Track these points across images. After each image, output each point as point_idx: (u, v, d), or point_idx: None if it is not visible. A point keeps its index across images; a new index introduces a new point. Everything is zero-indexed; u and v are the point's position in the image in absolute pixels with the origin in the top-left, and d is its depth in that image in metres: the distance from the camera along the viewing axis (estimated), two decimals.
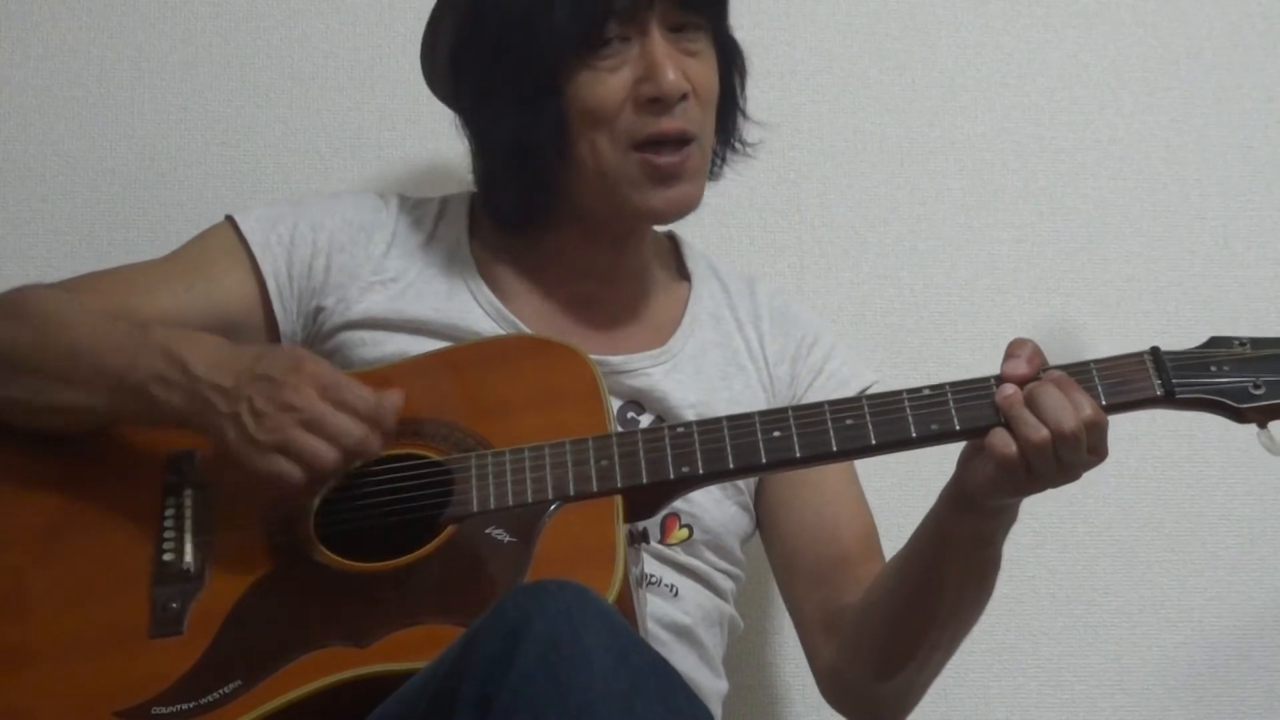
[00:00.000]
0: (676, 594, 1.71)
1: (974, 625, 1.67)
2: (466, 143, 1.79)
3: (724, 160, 1.80)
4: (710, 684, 1.75)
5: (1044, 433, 1.46)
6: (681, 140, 1.67)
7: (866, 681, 1.70)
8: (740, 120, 1.80)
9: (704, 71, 1.70)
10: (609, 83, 1.66)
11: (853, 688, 1.73)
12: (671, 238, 1.89)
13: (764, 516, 1.80)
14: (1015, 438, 1.47)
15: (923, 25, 2.24)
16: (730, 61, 1.77)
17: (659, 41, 1.66)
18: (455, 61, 1.75)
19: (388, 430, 1.50)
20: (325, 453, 1.47)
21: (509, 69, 1.68)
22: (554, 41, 1.64)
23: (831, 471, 1.76)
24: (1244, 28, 2.24)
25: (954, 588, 1.60)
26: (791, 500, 1.77)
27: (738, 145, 1.80)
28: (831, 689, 1.76)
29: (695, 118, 1.68)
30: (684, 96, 1.66)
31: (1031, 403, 1.47)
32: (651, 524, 1.59)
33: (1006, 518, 1.56)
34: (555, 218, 1.75)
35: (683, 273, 1.86)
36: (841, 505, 1.77)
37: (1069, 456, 1.47)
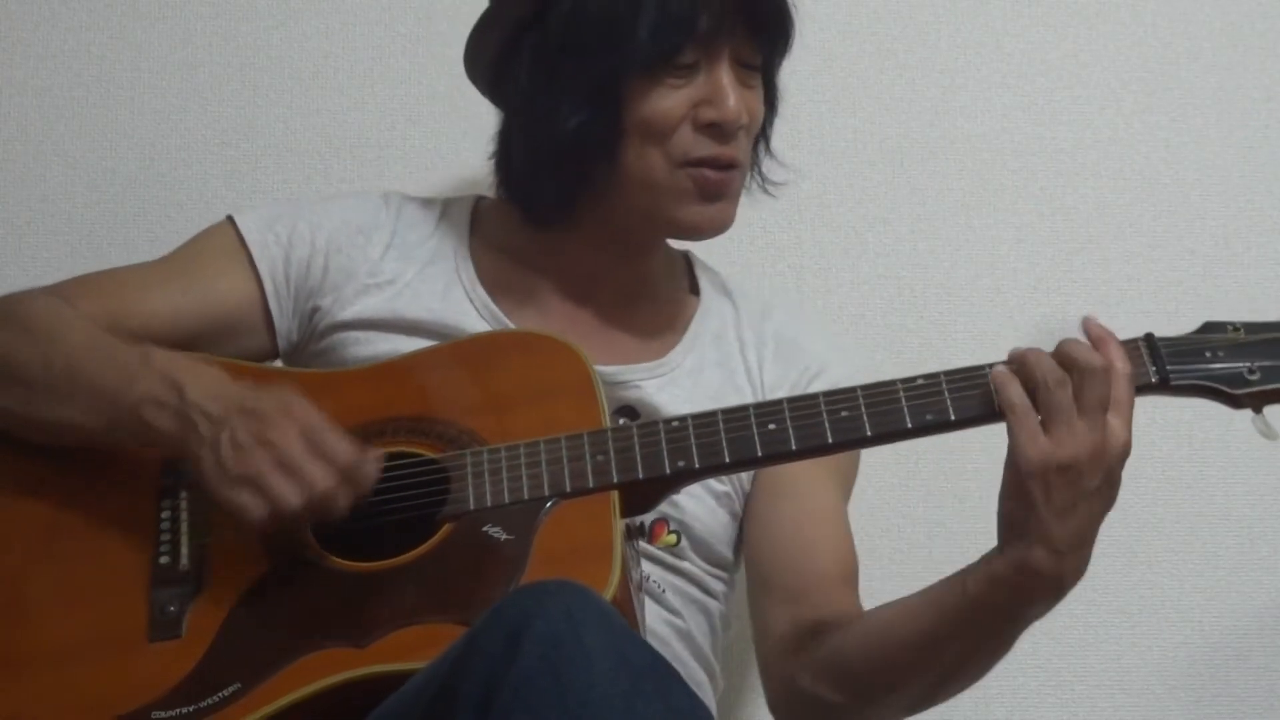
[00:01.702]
0: (665, 591, 1.70)
1: (960, 690, 1.63)
2: (498, 130, 1.79)
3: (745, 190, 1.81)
4: (705, 683, 1.75)
5: (1047, 363, 1.45)
6: (731, 166, 1.69)
7: (836, 712, 1.64)
8: (762, 155, 1.80)
9: (757, 106, 1.72)
10: (671, 99, 1.66)
11: (817, 713, 1.67)
12: (686, 256, 1.88)
13: (744, 529, 1.77)
14: (1022, 380, 1.45)
15: (923, 25, 2.24)
16: (771, 99, 1.78)
17: (728, 70, 1.67)
18: (514, 46, 1.72)
19: (362, 491, 1.48)
20: (290, 496, 1.45)
21: (576, 67, 1.67)
22: (630, 53, 1.64)
23: (818, 493, 1.73)
24: (1244, 28, 2.24)
25: (954, 656, 1.56)
26: (770, 516, 1.74)
27: (760, 181, 1.81)
28: (791, 708, 1.70)
29: (744, 149, 1.70)
30: (741, 127, 1.68)
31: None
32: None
33: (1046, 585, 1.49)
34: (575, 220, 1.74)
35: (694, 289, 1.85)
36: (822, 527, 1.74)
37: (1090, 392, 1.44)
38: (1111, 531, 2.14)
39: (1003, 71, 2.24)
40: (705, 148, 1.67)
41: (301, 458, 1.45)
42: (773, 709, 1.72)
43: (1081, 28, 2.25)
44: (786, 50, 1.75)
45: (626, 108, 1.66)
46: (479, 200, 1.84)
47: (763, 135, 1.78)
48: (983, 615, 1.51)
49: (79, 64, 2.17)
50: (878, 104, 2.22)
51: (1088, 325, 1.48)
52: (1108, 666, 2.15)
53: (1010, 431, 1.46)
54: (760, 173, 1.80)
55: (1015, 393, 1.46)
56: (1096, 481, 1.45)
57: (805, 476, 1.70)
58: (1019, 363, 1.48)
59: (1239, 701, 2.15)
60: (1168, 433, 2.15)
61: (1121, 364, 1.46)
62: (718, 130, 1.67)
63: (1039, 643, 2.15)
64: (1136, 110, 2.24)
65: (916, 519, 2.15)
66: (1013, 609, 1.50)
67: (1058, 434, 1.44)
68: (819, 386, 1.75)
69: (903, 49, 2.23)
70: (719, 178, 1.68)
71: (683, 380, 1.75)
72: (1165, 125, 2.24)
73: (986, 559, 1.50)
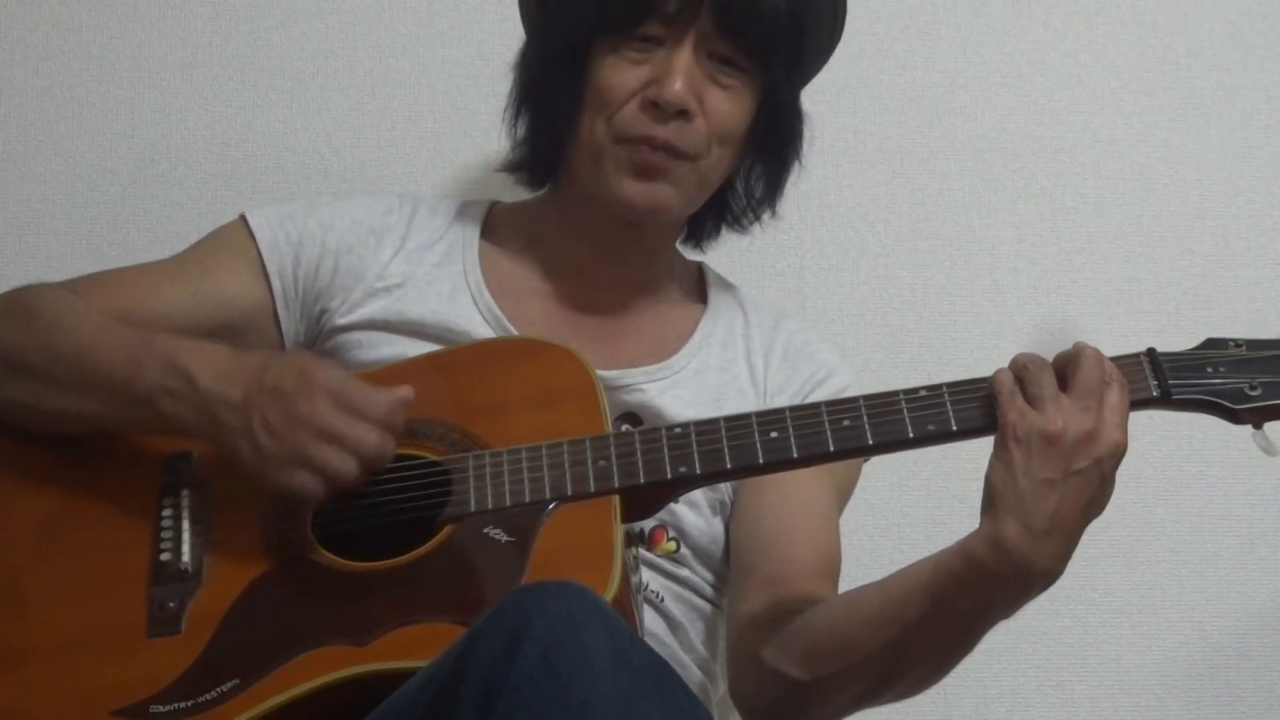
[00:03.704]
0: (663, 600, 1.70)
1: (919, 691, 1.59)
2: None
3: (756, 218, 1.80)
4: (704, 685, 1.75)
5: (1033, 353, 1.46)
6: (669, 151, 1.66)
7: (795, 692, 1.61)
8: (778, 194, 1.79)
9: (726, 106, 1.68)
10: (627, 73, 1.67)
11: (777, 691, 1.62)
12: (700, 267, 1.88)
13: (729, 522, 1.77)
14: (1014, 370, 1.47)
15: (923, 25, 2.24)
16: (781, 123, 1.75)
17: (685, 53, 1.66)
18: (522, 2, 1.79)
19: (398, 431, 1.49)
20: (345, 464, 1.45)
21: (551, 27, 1.71)
22: (594, 17, 1.66)
23: (805, 489, 1.72)
24: (1244, 28, 2.25)
25: (916, 639, 1.52)
26: (754, 507, 1.73)
27: (736, 208, 1.80)
28: (752, 687, 1.64)
29: (694, 141, 1.67)
30: (684, 114, 1.65)
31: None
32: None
33: (1016, 569, 1.45)
34: (562, 197, 1.76)
35: (700, 295, 1.84)
36: (805, 521, 1.72)
37: (1083, 375, 1.44)
38: (1111, 531, 2.17)
39: (1003, 71, 2.24)
40: (642, 126, 1.66)
41: (340, 425, 1.46)
42: (733, 690, 1.69)
43: (1081, 28, 2.25)
44: (777, 59, 1.70)
45: (589, 72, 1.67)
46: (493, 205, 1.85)
47: (781, 166, 1.77)
48: (949, 594, 1.47)
49: (79, 64, 2.17)
50: (878, 104, 2.23)
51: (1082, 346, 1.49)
52: (1108, 666, 2.15)
53: (999, 410, 1.46)
54: (770, 206, 1.79)
55: (1005, 378, 1.47)
56: (1083, 464, 1.44)
57: (794, 474, 1.67)
58: (1013, 361, 1.49)
59: (1239, 701, 2.15)
60: (1167, 433, 2.16)
61: (1113, 369, 1.46)
62: (658, 111, 1.65)
63: (1039, 643, 2.15)
64: (1136, 110, 2.24)
65: (916, 519, 2.15)
66: (979, 590, 1.46)
67: (1045, 408, 1.44)
68: (823, 392, 1.76)
69: (903, 49, 2.24)
70: (651, 158, 1.66)
71: (686, 383, 1.74)
72: (1165, 125, 2.24)
73: (964, 538, 1.48)
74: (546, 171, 1.78)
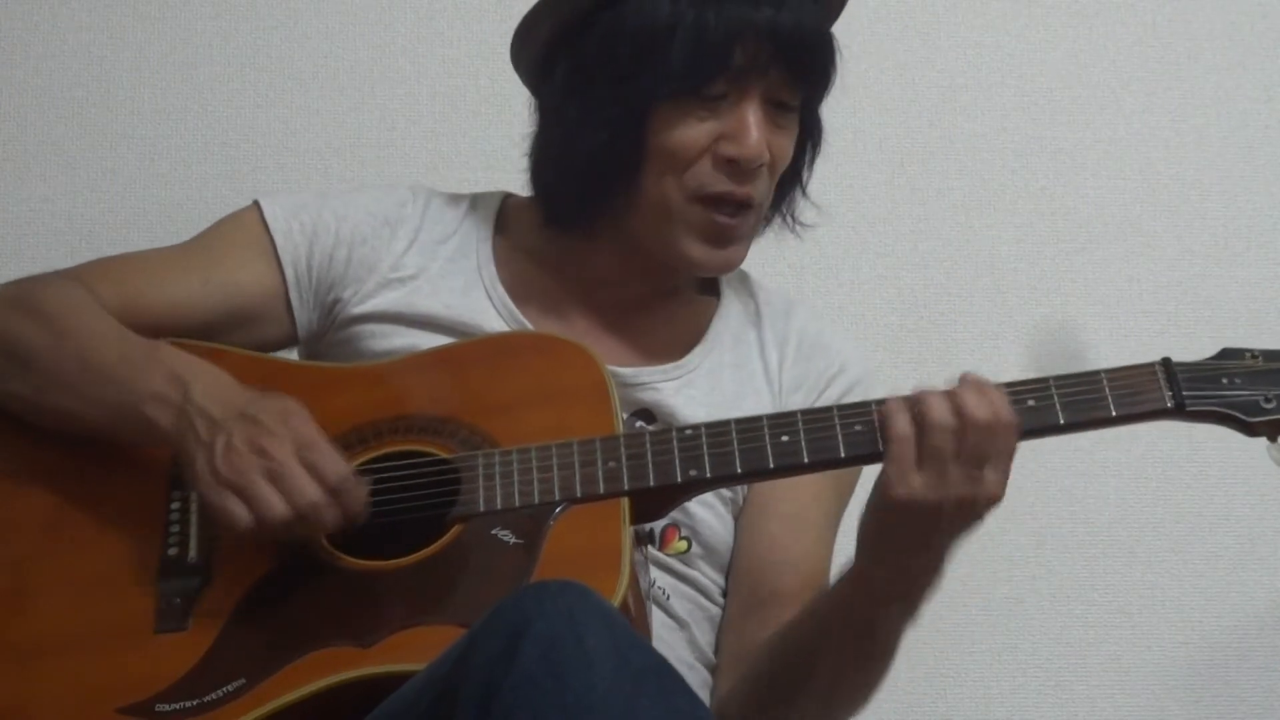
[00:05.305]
0: (669, 597, 1.70)
1: (858, 707, 1.62)
2: (535, 124, 1.75)
3: (767, 224, 1.79)
4: (709, 684, 1.75)
5: (941, 407, 1.43)
6: (745, 206, 1.67)
7: None
8: (798, 195, 1.78)
9: (785, 146, 1.69)
10: (695, 129, 1.64)
11: None
12: None
13: (735, 525, 1.76)
14: (913, 416, 1.45)
15: (923, 25, 2.24)
16: (807, 135, 1.75)
17: (755, 107, 1.65)
18: (554, 48, 1.71)
19: (350, 511, 1.47)
20: (276, 506, 1.44)
21: (607, 85, 1.66)
22: (662, 76, 1.63)
23: (808, 504, 1.72)
24: (1244, 28, 2.25)
25: (830, 664, 1.57)
26: (755, 524, 1.73)
27: (788, 220, 1.79)
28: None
29: (762, 188, 1.68)
30: (760, 166, 1.66)
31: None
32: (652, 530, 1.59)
33: (894, 598, 1.51)
34: (598, 228, 1.73)
35: (713, 288, 1.83)
36: (801, 541, 1.72)
37: (972, 444, 1.42)
38: (1111, 531, 2.17)
39: (1003, 71, 2.24)
40: (720, 184, 1.65)
41: (291, 469, 1.44)
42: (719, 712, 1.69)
43: (1081, 28, 2.25)
44: (826, 91, 1.72)
45: (651, 133, 1.65)
46: (507, 198, 1.83)
47: (796, 175, 1.76)
48: (845, 616, 1.53)
49: (79, 64, 2.17)
50: (878, 104, 2.23)
51: (967, 377, 1.46)
52: (1108, 666, 2.15)
53: (886, 460, 1.45)
54: (790, 213, 1.79)
55: (903, 424, 1.45)
56: (957, 523, 1.45)
57: (801, 485, 1.68)
58: (915, 400, 1.46)
59: (1239, 701, 2.15)
60: (1167, 432, 2.15)
61: (1008, 416, 1.45)
62: (735, 167, 1.64)
63: (1039, 643, 2.15)
64: (1136, 110, 2.24)
65: None
66: (868, 610, 1.52)
67: (929, 478, 1.44)
68: (838, 385, 1.76)
69: (903, 49, 2.24)
70: (728, 223, 1.66)
71: (700, 382, 1.73)
72: (1165, 125, 2.24)
73: (838, 579, 1.54)
74: (588, 219, 1.73)
